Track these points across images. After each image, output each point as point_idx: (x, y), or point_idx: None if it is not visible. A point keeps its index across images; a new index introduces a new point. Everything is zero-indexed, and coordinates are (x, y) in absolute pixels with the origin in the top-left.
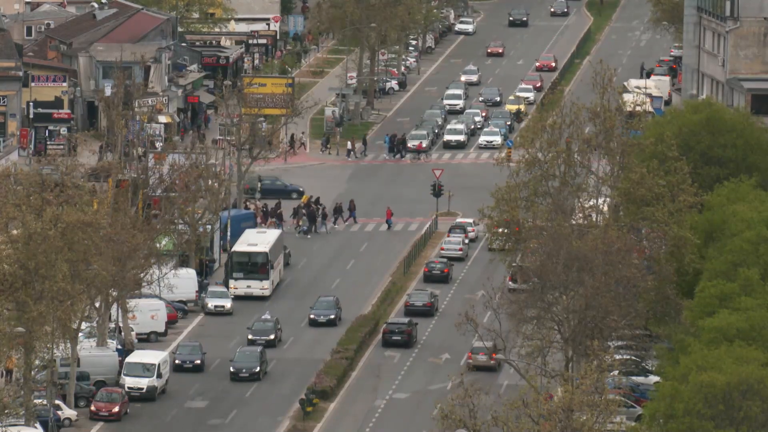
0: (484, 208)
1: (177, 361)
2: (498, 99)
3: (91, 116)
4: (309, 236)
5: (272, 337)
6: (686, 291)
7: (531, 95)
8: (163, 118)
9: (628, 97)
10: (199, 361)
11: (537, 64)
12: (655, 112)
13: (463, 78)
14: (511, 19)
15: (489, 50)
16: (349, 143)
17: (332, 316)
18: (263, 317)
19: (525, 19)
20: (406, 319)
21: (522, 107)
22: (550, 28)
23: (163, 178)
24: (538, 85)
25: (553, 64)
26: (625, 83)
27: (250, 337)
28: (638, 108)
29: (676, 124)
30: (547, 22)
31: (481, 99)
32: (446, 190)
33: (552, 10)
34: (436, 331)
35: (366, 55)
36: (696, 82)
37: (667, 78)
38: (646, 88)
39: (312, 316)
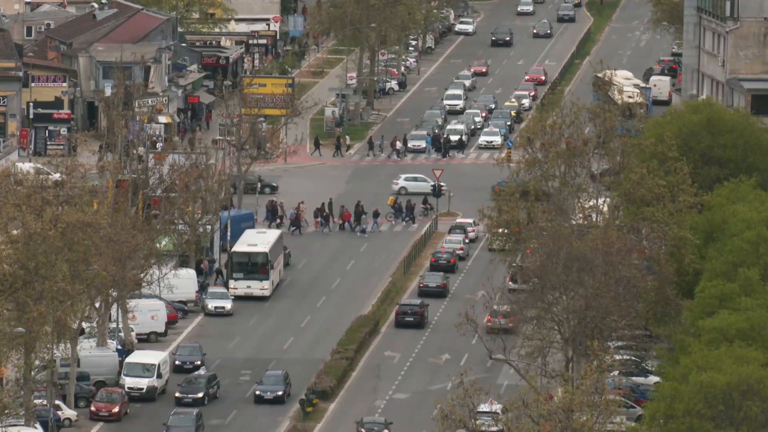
0: (484, 208)
1: (177, 362)
2: (493, 106)
3: (91, 116)
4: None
5: (201, 395)
6: (686, 291)
7: (527, 102)
8: (163, 119)
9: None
10: (199, 362)
11: (526, 77)
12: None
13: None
14: (493, 39)
15: (473, 69)
16: (399, 143)
17: (279, 393)
18: (196, 373)
19: (508, 38)
20: (418, 301)
21: (520, 110)
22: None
23: (163, 179)
24: (533, 94)
25: (543, 78)
26: (598, 74)
27: (177, 394)
28: (631, 100)
29: (676, 125)
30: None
31: (476, 106)
32: (446, 190)
33: (534, 31)
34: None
35: (366, 55)
36: (696, 83)
37: (668, 78)
38: (646, 80)
39: (258, 393)
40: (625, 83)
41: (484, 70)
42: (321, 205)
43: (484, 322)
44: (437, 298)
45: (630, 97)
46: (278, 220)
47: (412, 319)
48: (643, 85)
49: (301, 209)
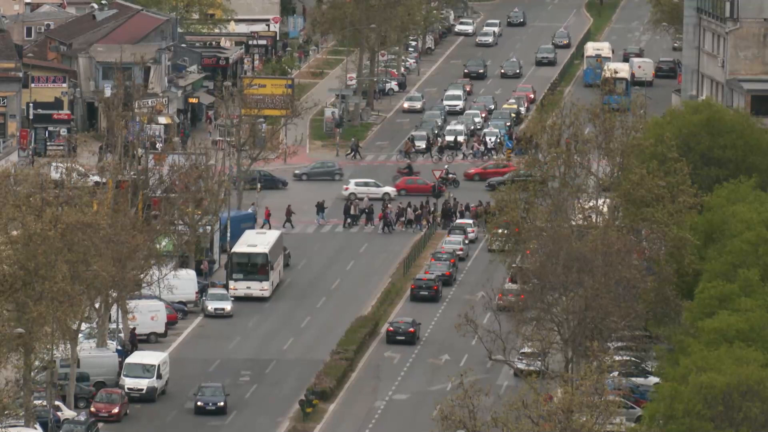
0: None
1: (199, 403)
2: (492, 107)
3: (91, 117)
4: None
5: None
6: (686, 292)
7: (522, 109)
8: (163, 119)
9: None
10: (222, 403)
11: (514, 93)
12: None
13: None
14: (466, 71)
15: None
16: (476, 144)
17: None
18: (77, 417)
19: (482, 71)
20: (433, 275)
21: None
22: (548, 30)
23: (163, 179)
24: (526, 104)
25: (532, 96)
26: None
27: None
28: (614, 74)
29: (676, 125)
30: (547, 22)
31: (475, 106)
32: (446, 190)
33: (502, 71)
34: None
35: (366, 56)
36: (696, 83)
37: (651, 61)
38: (600, 50)
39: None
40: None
41: (468, 88)
42: (407, 204)
43: (495, 301)
44: (443, 286)
45: (616, 72)
46: (350, 220)
47: (426, 293)
48: (605, 54)
49: (388, 209)
